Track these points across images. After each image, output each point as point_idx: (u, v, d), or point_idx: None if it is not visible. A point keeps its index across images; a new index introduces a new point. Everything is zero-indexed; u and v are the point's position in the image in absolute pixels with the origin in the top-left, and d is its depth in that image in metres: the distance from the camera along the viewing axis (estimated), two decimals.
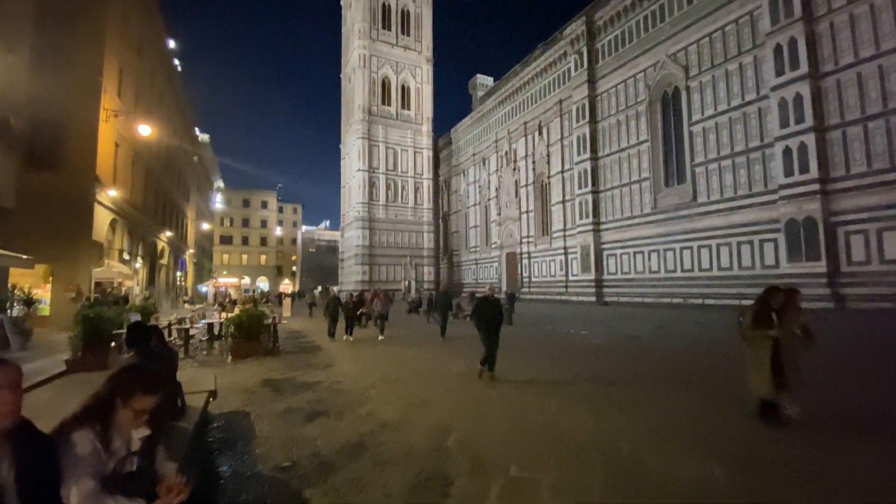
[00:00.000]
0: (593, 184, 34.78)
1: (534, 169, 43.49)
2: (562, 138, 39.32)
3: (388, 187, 55.77)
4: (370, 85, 55.16)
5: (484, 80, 64.09)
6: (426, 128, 58.46)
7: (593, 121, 35.15)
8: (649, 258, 30.63)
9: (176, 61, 33.99)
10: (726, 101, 25.76)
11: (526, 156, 44.54)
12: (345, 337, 14.53)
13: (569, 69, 38.00)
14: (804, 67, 21.49)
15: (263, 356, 11.22)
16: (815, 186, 21.10)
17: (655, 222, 30.18)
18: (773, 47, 22.72)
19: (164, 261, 33.45)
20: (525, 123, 44.70)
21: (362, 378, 8.50)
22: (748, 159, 24.69)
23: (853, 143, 20.33)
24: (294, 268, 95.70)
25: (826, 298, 20.25)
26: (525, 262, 44.35)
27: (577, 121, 36.13)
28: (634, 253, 31.74)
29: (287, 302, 31.29)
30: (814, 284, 20.86)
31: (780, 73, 22.45)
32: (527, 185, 44.45)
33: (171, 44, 31.59)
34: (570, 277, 37.82)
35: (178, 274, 40.71)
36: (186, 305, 37.71)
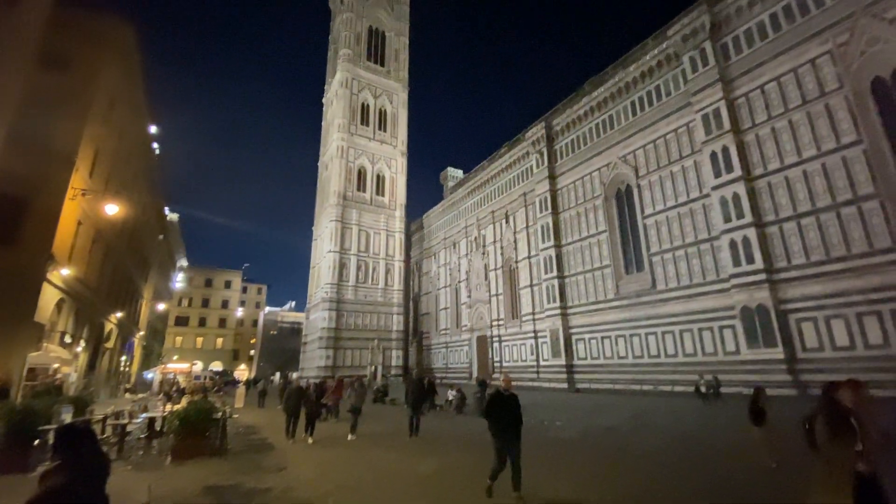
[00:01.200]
0: (559, 269, 36.05)
1: (502, 254, 44.94)
2: (527, 226, 41.41)
3: (359, 268, 55.72)
4: (346, 173, 57.69)
5: (454, 172, 68.53)
6: (399, 213, 60.49)
7: (555, 211, 37.51)
8: (616, 343, 30.94)
9: (155, 144, 34.80)
10: (674, 198, 28.29)
11: (494, 241, 46.25)
12: (304, 436, 12.66)
13: (531, 166, 41.35)
14: (738, 171, 24.26)
15: (209, 456, 10.09)
16: (762, 276, 22.64)
17: (619, 307, 31.06)
18: (709, 153, 25.76)
19: (110, 344, 30.98)
20: (493, 212, 47.10)
21: (319, 484, 7.69)
22: (699, 250, 26.52)
23: (790, 237, 22.35)
24: (252, 352, 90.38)
25: (787, 385, 20.69)
26: (496, 345, 43.79)
27: (541, 211, 38.48)
28: (602, 338, 32.08)
29: (240, 391, 29.01)
30: (774, 371, 21.44)
31: (717, 175, 25.20)
32: (496, 269, 45.52)
33: (153, 129, 32.54)
34: (541, 362, 37.35)
35: (123, 358, 37.53)
36: (128, 395, 34.26)
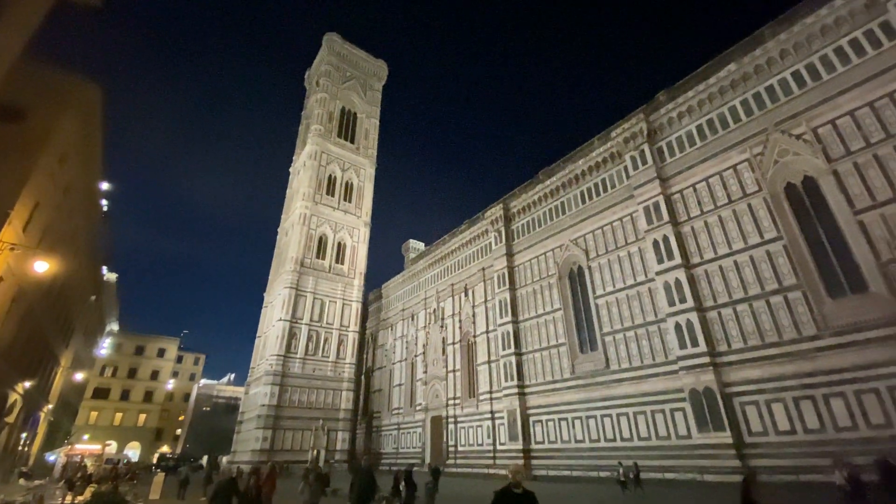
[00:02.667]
0: (516, 346, 36.01)
1: (460, 327, 44.57)
2: (486, 300, 41.83)
3: (309, 339, 52.99)
4: (307, 240, 57.15)
5: (416, 245, 69.61)
6: (358, 282, 59.62)
7: (513, 287, 38.40)
8: (573, 426, 30.34)
9: (104, 201, 33.34)
10: (622, 280, 29.87)
11: (453, 314, 46.03)
12: None
13: (490, 243, 42.91)
14: (678, 259, 26.26)
15: None
16: (706, 359, 23.60)
17: (576, 387, 30.94)
18: (651, 241, 27.92)
19: (11, 418, 26.76)
20: (452, 285, 47.49)
21: None
22: (648, 331, 27.57)
23: (728, 322, 23.82)
24: (179, 430, 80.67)
25: (739, 471, 20.69)
26: (451, 427, 41.61)
27: (499, 286, 39.27)
28: (559, 419, 31.42)
29: (158, 479, 25.35)
30: (724, 456, 21.58)
31: (660, 261, 27.13)
32: (454, 343, 44.77)
33: (105, 185, 31.39)
34: (498, 446, 35.65)
35: (24, 435, 32.27)
36: (22, 480, 28.96)
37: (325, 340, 54.40)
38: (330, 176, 63.13)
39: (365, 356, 61.32)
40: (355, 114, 70.73)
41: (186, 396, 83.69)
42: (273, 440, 46.44)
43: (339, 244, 60.54)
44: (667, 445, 24.80)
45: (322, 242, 58.91)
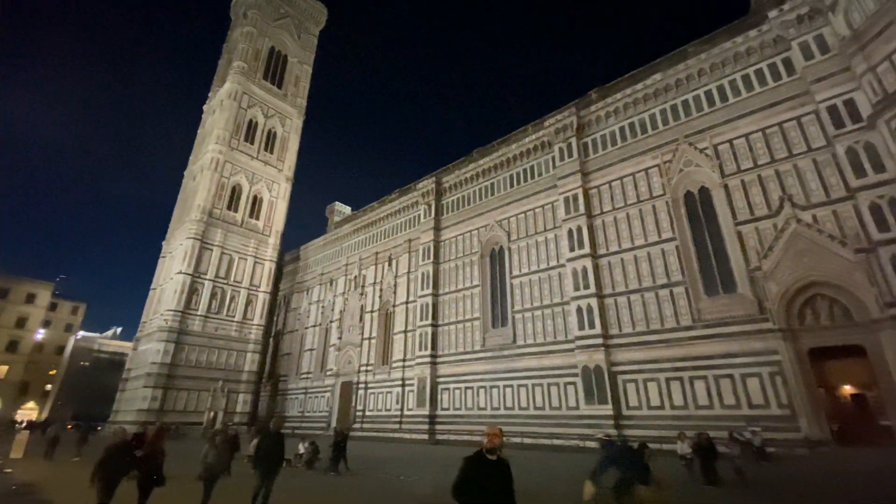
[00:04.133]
0: (434, 317, 36.91)
1: (380, 296, 44.42)
2: (409, 272, 42.01)
3: (213, 296, 49.34)
4: (217, 188, 52.23)
5: (342, 208, 67.18)
6: (274, 240, 56.27)
7: (437, 261, 38.96)
8: (478, 394, 32.21)
9: None
10: (537, 264, 31.72)
11: (374, 283, 45.65)
12: None
13: (419, 215, 42.78)
14: (587, 248, 28.41)
15: None
16: (600, 340, 26.22)
17: (484, 359, 32.72)
18: (566, 230, 29.82)
19: None
20: (377, 253, 46.86)
21: None
22: (553, 312, 29.78)
23: (622, 309, 26.53)
24: (49, 386, 71.69)
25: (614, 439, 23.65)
26: (361, 392, 41.92)
27: (423, 259, 39.60)
28: (465, 388, 33.13)
29: (22, 437, 22.46)
30: (604, 426, 24.38)
31: (572, 249, 29.16)
32: (372, 311, 44.60)
33: None
34: (406, 412, 36.75)
35: None
36: None
37: (232, 299, 51.05)
38: (251, 121, 57.75)
39: (276, 319, 58.78)
40: (286, 56, 64.89)
41: (61, 349, 74.14)
42: (164, 400, 43.20)
43: (256, 197, 56.29)
44: (557, 415, 27.42)
45: (235, 193, 54.28)
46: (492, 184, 37.48)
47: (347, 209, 66.76)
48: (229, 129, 54.73)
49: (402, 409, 37.29)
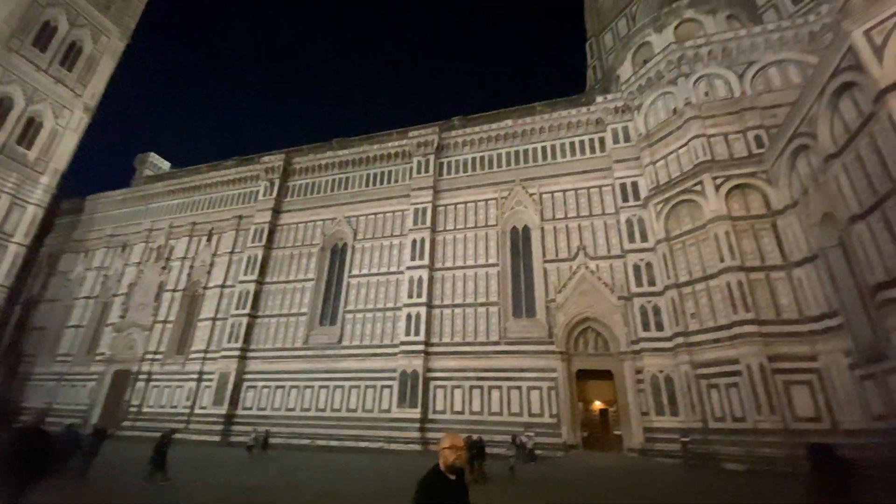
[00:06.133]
0: (253, 307, 33.47)
1: (189, 275, 38.17)
2: (232, 251, 37.29)
3: None
4: None
5: (158, 161, 55.98)
6: (48, 180, 43.11)
7: (269, 245, 35.67)
8: (289, 394, 30.33)
9: None
10: (378, 266, 31.99)
11: (184, 258, 39.06)
12: None
13: (258, 191, 38.64)
14: (427, 260, 30.00)
15: None
16: (422, 347, 27.72)
17: (303, 357, 31.07)
18: (412, 239, 30.98)
19: None
20: (194, 224, 40.36)
21: None
22: (385, 315, 30.31)
23: (445, 320, 28.64)
24: None
25: (415, 441, 25.06)
26: (141, 385, 34.90)
27: (254, 240, 35.77)
28: (276, 387, 30.82)
29: None
30: (410, 428, 25.67)
31: (413, 258, 30.39)
32: (175, 291, 37.94)
33: None
34: (197, 410, 32.03)
35: None
36: None
37: None
38: (48, 23, 43.88)
39: (29, 281, 44.94)
40: None
41: None
42: None
43: (32, 120, 42.62)
44: (368, 417, 27.72)
45: (2, 107, 40.24)
46: (347, 178, 36.50)
47: (166, 165, 56.00)
48: (12, 23, 40.47)
49: (192, 407, 32.38)
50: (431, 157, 33.59)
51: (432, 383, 27.24)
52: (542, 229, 29.04)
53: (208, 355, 33.76)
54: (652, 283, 24.71)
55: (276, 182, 37.79)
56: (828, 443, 6.77)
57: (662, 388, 22.67)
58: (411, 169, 34.22)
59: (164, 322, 37.01)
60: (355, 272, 32.51)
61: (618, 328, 24.84)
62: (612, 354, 24.95)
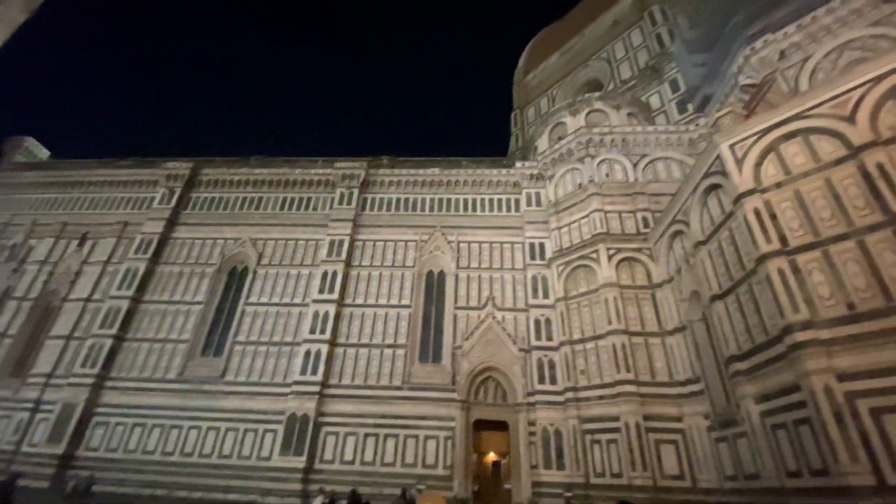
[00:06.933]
0: (122, 328, 28.96)
1: (46, 282, 32.23)
2: (108, 261, 32.43)
3: None
4: None
5: (35, 148, 48.04)
6: None
7: (156, 259, 31.72)
8: (150, 434, 26.02)
9: None
10: (281, 296, 29.87)
11: (45, 261, 33.07)
12: None
13: (153, 198, 34.73)
14: (336, 294, 28.74)
15: None
16: (317, 388, 25.79)
17: (178, 392, 27.16)
18: (323, 271, 29.66)
19: None
20: (65, 224, 34.74)
21: None
22: (281, 351, 27.98)
23: (347, 360, 27.15)
24: None
25: (295, 494, 22.68)
26: None
27: (139, 251, 31.57)
28: (135, 424, 26.33)
29: None
30: (291, 479, 23.25)
31: (321, 291, 28.94)
32: (24, 299, 31.61)
33: None
34: (24, 448, 25.98)
35: None
36: None
37: None
38: None
39: None
40: None
41: None
42: None
43: None
44: (244, 465, 24.61)
45: None
46: (261, 198, 34.41)
47: (45, 153, 48.38)
48: None
49: (18, 444, 26.24)
50: (356, 191, 33.23)
51: (324, 429, 25.25)
52: (457, 276, 29.68)
53: (52, 381, 28.09)
54: (549, 337, 26.18)
55: (178, 191, 34.37)
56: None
57: (552, 441, 23.46)
58: (333, 199, 33.40)
59: (2, 335, 30.40)
60: (253, 300, 29.98)
61: (517, 379, 25.57)
62: (509, 405, 25.44)
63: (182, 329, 29.28)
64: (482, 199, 32.80)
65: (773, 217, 15.56)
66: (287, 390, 26.14)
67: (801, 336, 13.62)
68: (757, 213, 15.90)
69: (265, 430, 25.51)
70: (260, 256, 31.53)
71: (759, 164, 16.58)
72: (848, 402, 12.51)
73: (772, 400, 15.17)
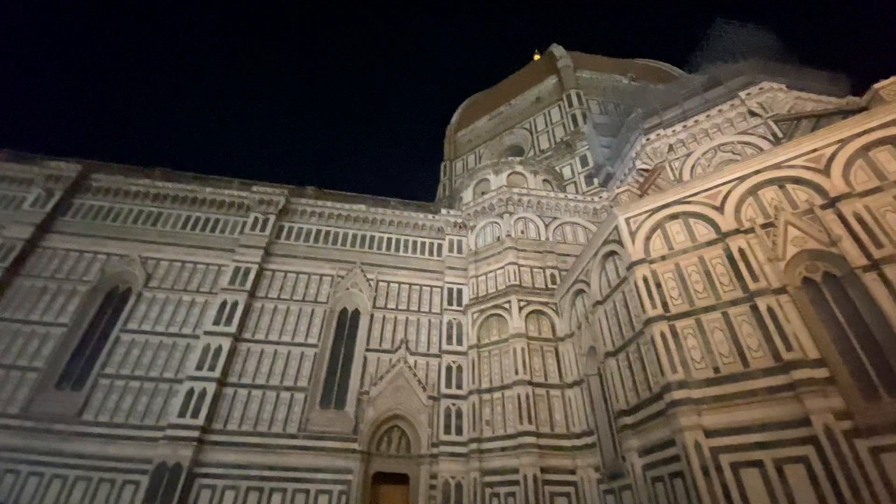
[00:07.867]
0: None
1: None
2: None
3: None
4: None
5: None
6: None
7: (14, 271, 26.62)
8: None
9: None
10: (167, 325, 26.47)
11: None
12: None
13: (24, 198, 29.63)
14: (233, 327, 26.16)
15: None
16: (196, 433, 22.54)
17: (17, 430, 22.05)
18: (221, 300, 27.03)
19: None
20: None
21: None
22: (158, 388, 24.35)
23: (237, 403, 24.28)
24: None
25: None
26: None
27: None
28: None
29: None
30: None
31: (217, 322, 26.19)
32: None
33: None
34: None
35: None
36: None
37: None
38: None
39: None
40: None
41: None
42: None
43: None
44: None
45: None
46: (160, 213, 31.01)
47: None
48: None
49: None
50: (272, 217, 31.49)
51: (198, 482, 21.97)
52: (372, 315, 28.86)
53: None
54: (459, 385, 26.16)
55: (58, 195, 29.77)
56: None
57: (452, 495, 22.78)
58: (245, 223, 31.20)
59: None
60: (133, 326, 26.18)
61: (422, 429, 24.87)
62: (412, 457, 24.48)
63: (35, 355, 24.41)
64: (406, 241, 32.95)
65: (658, 285, 17.65)
66: (160, 434, 22.58)
67: (676, 394, 15.18)
68: (645, 280, 17.94)
69: (125, 482, 21.54)
70: (148, 278, 28.00)
71: (648, 238, 18.93)
72: (713, 456, 14.00)
73: (653, 453, 16.47)
